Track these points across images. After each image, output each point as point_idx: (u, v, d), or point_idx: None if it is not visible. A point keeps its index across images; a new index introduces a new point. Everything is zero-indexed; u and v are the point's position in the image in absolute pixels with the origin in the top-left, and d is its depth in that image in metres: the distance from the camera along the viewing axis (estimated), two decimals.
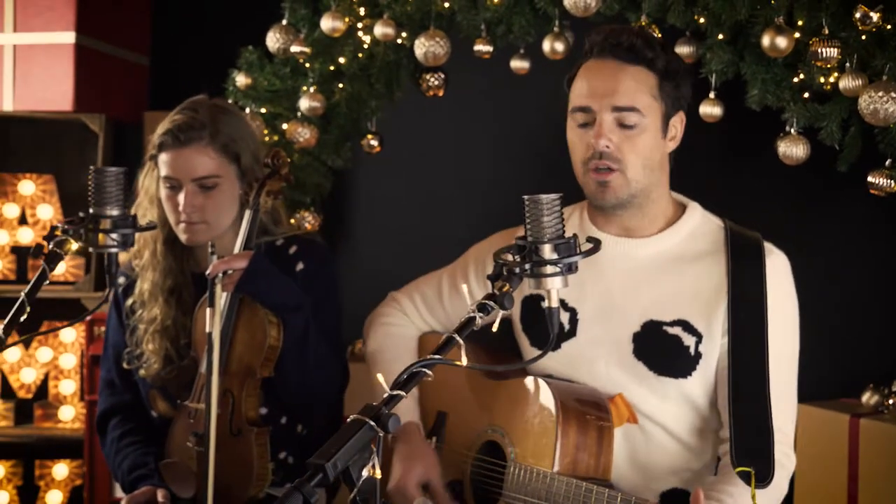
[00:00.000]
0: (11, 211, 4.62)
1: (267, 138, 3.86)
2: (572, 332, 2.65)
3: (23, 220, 4.64)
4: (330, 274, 3.09)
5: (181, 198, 2.91)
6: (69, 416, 4.55)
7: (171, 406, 3.02)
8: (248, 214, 2.89)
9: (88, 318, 4.12)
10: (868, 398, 3.43)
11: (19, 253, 4.62)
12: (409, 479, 2.67)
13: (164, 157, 2.93)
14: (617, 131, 2.52)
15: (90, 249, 2.44)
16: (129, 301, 3.07)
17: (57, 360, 4.61)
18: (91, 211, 2.42)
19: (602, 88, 2.53)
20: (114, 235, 2.42)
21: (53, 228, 2.43)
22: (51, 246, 2.42)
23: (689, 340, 2.56)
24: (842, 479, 3.36)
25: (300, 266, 3.03)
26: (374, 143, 3.96)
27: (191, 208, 2.91)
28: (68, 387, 4.58)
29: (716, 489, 2.45)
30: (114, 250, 2.44)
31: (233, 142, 2.95)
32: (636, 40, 2.55)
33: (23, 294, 2.35)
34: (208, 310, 2.73)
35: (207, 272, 2.77)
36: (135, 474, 2.97)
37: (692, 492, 2.25)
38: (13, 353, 4.58)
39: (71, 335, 4.61)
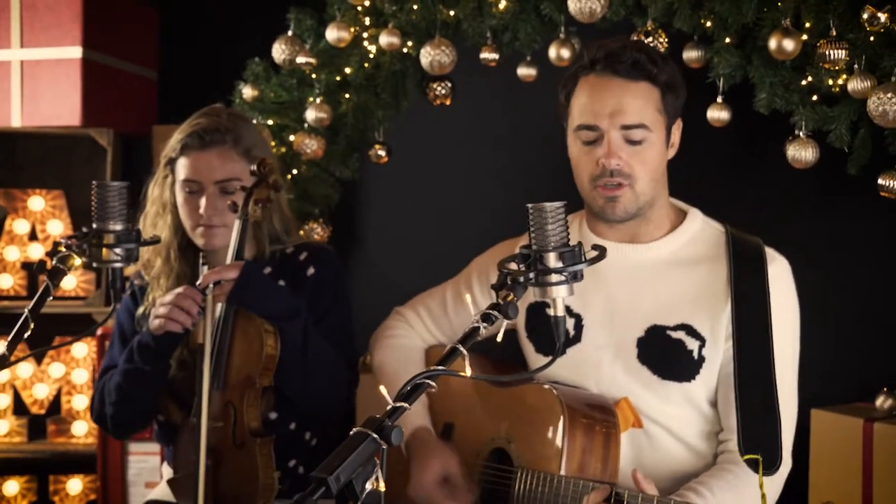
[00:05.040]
0: (21, 227, 4.61)
1: (274, 150, 3.84)
2: (577, 338, 2.65)
3: (33, 236, 4.64)
4: (340, 279, 3.10)
5: (202, 201, 2.93)
6: (82, 431, 4.54)
7: (183, 415, 2.99)
8: (237, 224, 2.88)
9: (99, 332, 4.10)
10: (882, 402, 3.39)
11: (30, 269, 4.61)
12: (427, 477, 2.66)
13: (185, 161, 2.95)
14: (626, 147, 2.54)
15: (93, 265, 2.44)
16: (141, 309, 3.06)
17: (69, 375, 4.60)
18: (94, 226, 2.42)
19: (609, 107, 2.53)
20: (117, 250, 2.43)
21: (56, 244, 2.43)
22: (54, 262, 2.42)
23: (692, 344, 2.56)
24: (856, 484, 3.34)
25: (311, 271, 3.03)
26: (382, 153, 3.96)
27: (212, 210, 2.93)
28: (81, 402, 4.57)
29: (699, 482, 2.48)
30: (117, 265, 2.44)
31: (254, 147, 2.98)
32: (639, 56, 2.55)
33: (26, 310, 2.34)
34: (200, 321, 2.73)
35: (198, 283, 2.77)
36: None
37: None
38: (25, 369, 4.58)
39: (83, 350, 4.60)
